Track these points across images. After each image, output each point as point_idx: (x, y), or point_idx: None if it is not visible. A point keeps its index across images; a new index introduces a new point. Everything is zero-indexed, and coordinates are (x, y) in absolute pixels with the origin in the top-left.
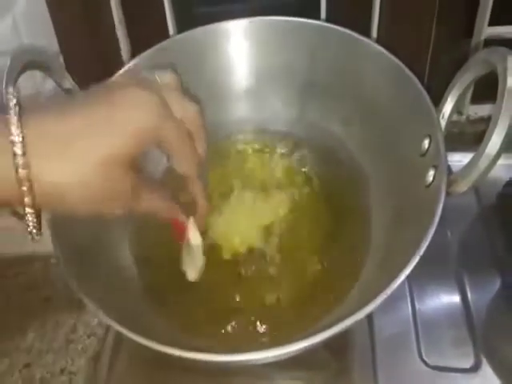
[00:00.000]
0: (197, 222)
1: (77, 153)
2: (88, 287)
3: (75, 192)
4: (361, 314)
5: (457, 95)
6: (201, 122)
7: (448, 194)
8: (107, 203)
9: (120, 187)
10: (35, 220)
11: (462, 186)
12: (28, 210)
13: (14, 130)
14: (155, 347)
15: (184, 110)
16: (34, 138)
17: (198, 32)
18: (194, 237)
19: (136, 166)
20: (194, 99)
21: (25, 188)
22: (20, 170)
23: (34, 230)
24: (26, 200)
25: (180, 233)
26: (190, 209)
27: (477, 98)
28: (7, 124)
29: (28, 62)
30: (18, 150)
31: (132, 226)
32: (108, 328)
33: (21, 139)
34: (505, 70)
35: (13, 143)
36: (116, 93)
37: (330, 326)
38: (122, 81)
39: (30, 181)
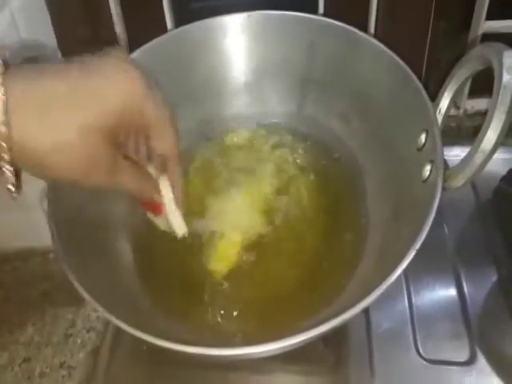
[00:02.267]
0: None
1: (56, 119)
2: (87, 281)
3: (53, 158)
4: (358, 308)
5: (453, 90)
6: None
7: (444, 188)
8: (86, 172)
9: (99, 157)
10: (14, 178)
11: (458, 181)
12: (6, 166)
13: None
14: (156, 342)
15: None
16: (18, 98)
17: (196, 26)
18: (166, 195)
19: (117, 140)
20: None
21: (4, 145)
22: (0, 127)
23: (13, 188)
24: (5, 156)
25: (155, 207)
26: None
27: (474, 92)
28: None
29: (26, 56)
30: (0, 106)
31: (131, 216)
32: (107, 322)
33: (3, 97)
34: (500, 65)
35: None
36: (103, 63)
37: (327, 320)
38: (111, 54)
39: (10, 139)
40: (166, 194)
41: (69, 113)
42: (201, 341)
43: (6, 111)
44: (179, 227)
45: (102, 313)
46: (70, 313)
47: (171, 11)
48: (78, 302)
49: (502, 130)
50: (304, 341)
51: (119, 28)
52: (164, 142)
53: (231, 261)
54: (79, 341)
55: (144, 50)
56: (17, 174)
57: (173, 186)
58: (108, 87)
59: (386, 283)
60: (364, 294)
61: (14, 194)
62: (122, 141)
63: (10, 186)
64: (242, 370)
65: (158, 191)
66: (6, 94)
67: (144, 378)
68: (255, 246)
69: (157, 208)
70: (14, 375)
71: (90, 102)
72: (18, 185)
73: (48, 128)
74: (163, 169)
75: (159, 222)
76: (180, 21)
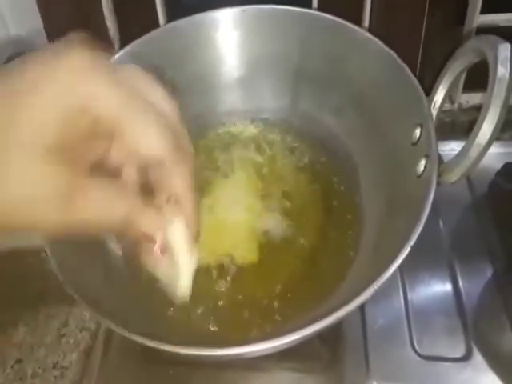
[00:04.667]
0: (186, 224)
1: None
2: (79, 283)
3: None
4: (353, 305)
5: (448, 84)
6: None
7: (439, 183)
8: (27, 211)
9: (44, 185)
10: None
11: (453, 176)
12: None
13: None
14: (149, 344)
15: (154, 93)
16: None
17: (189, 21)
18: (179, 244)
19: (73, 156)
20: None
21: None
22: None
23: None
24: None
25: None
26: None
27: (469, 87)
28: None
29: (15, 51)
30: None
31: None
32: (100, 322)
33: None
34: (495, 58)
35: None
36: (47, 56)
37: (321, 318)
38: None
39: None
40: (180, 245)
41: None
42: (192, 340)
43: None
44: (184, 285)
45: (95, 316)
46: (62, 312)
47: (163, 6)
48: (71, 301)
49: (497, 124)
50: (298, 339)
51: (110, 23)
52: (147, 140)
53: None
54: (72, 341)
55: (136, 45)
56: None
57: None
58: (43, 93)
59: (382, 279)
60: (359, 291)
61: None
62: (83, 152)
63: None
64: (237, 368)
65: (155, 220)
66: None
67: (137, 377)
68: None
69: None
70: (6, 376)
71: (30, 105)
72: None
73: None
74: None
75: (160, 271)
76: (172, 15)
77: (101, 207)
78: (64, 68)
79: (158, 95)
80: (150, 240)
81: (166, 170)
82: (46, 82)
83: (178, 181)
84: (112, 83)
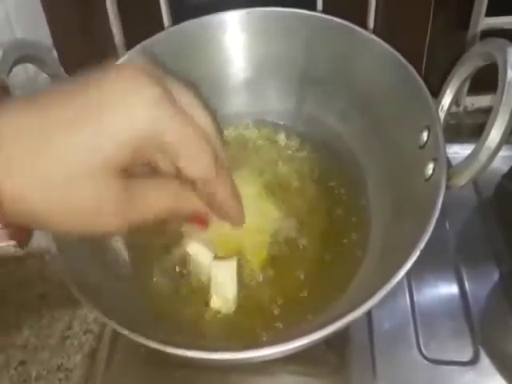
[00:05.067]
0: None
1: (51, 156)
2: (85, 285)
3: (47, 207)
4: (361, 310)
5: (456, 87)
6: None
7: (448, 187)
8: (93, 220)
9: (107, 198)
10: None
11: (462, 180)
12: None
13: None
14: (155, 346)
15: (193, 107)
16: (5, 140)
17: (194, 24)
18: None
19: (130, 171)
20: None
21: None
22: None
23: (16, 244)
24: None
25: (198, 220)
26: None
27: (474, 89)
28: None
29: (21, 55)
30: None
31: None
32: (104, 324)
33: None
34: (505, 61)
35: None
36: (109, 79)
37: (329, 323)
38: (117, 67)
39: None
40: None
41: (67, 146)
42: (199, 343)
43: None
44: (226, 303)
45: (101, 318)
46: (66, 315)
47: (168, 8)
48: (75, 304)
49: (506, 128)
50: (305, 345)
51: (116, 26)
52: (194, 164)
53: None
54: (76, 343)
55: (142, 47)
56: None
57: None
58: (118, 117)
59: (390, 284)
60: (367, 296)
61: (19, 249)
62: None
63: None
64: (242, 372)
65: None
66: None
67: (141, 380)
68: None
69: (201, 221)
70: (10, 378)
71: (96, 132)
72: (21, 239)
73: (41, 168)
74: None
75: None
76: (177, 18)
77: (153, 203)
78: (134, 92)
79: (198, 111)
80: (200, 215)
81: (209, 183)
82: (118, 104)
83: (220, 190)
84: (175, 110)
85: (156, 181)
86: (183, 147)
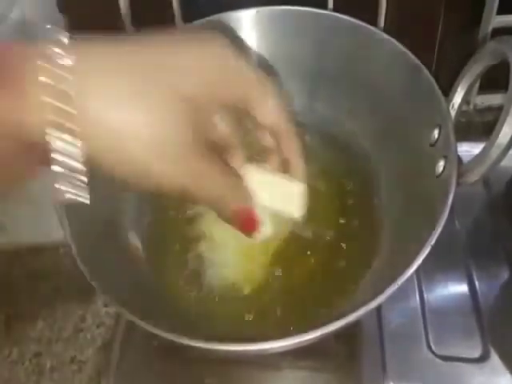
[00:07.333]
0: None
1: (143, 83)
2: (100, 275)
3: (136, 133)
4: (372, 305)
5: (467, 85)
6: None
7: (459, 184)
8: (160, 154)
9: (182, 137)
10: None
11: (473, 176)
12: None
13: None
14: (168, 337)
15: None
16: (89, 66)
17: (205, 22)
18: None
19: (206, 123)
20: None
21: (75, 125)
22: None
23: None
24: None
25: (248, 222)
26: None
27: (484, 88)
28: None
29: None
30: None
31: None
32: (117, 317)
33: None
34: None
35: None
36: (190, 33)
37: (340, 317)
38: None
39: (83, 115)
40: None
41: (157, 77)
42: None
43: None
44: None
45: (118, 310)
46: (80, 308)
47: (180, 7)
48: (88, 297)
49: None
50: (317, 337)
51: (128, 25)
52: (271, 111)
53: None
54: (89, 336)
55: None
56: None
57: (290, 164)
58: (200, 54)
59: (401, 279)
60: (378, 290)
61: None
62: (210, 127)
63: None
64: (252, 365)
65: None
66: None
67: (155, 372)
68: None
69: (251, 223)
70: (25, 370)
71: (183, 68)
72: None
73: (131, 95)
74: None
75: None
76: (188, 17)
77: (214, 181)
78: (218, 43)
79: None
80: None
81: (282, 137)
82: (204, 48)
83: (291, 146)
84: (248, 63)
85: (224, 167)
86: (259, 87)
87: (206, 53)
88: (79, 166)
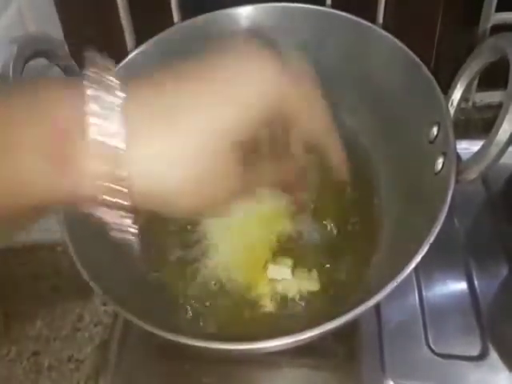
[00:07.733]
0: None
1: (180, 126)
2: (96, 273)
3: (175, 175)
4: (371, 303)
5: (466, 82)
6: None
7: (457, 181)
8: (212, 192)
9: (227, 170)
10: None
11: (472, 174)
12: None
13: (116, 94)
14: (167, 336)
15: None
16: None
17: (203, 19)
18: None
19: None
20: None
21: (123, 188)
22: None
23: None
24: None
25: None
26: None
27: (483, 85)
28: (109, 89)
29: (35, 50)
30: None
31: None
32: (115, 316)
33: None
34: None
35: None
36: (230, 54)
37: (339, 315)
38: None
39: (130, 177)
40: None
41: (196, 117)
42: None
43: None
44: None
45: (117, 309)
46: (77, 307)
47: (178, 4)
48: (86, 296)
49: None
50: (315, 336)
51: (126, 22)
52: (315, 121)
53: None
54: (87, 335)
55: (152, 43)
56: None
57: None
58: (247, 88)
59: (401, 277)
60: (377, 288)
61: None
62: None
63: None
64: (251, 364)
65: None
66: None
67: (152, 371)
68: None
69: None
70: (23, 368)
71: (222, 103)
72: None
73: (170, 137)
74: None
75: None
76: (186, 13)
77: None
78: (259, 66)
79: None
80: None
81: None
82: (245, 75)
83: (333, 148)
84: (294, 80)
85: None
86: (307, 112)
87: (254, 71)
88: (127, 218)
